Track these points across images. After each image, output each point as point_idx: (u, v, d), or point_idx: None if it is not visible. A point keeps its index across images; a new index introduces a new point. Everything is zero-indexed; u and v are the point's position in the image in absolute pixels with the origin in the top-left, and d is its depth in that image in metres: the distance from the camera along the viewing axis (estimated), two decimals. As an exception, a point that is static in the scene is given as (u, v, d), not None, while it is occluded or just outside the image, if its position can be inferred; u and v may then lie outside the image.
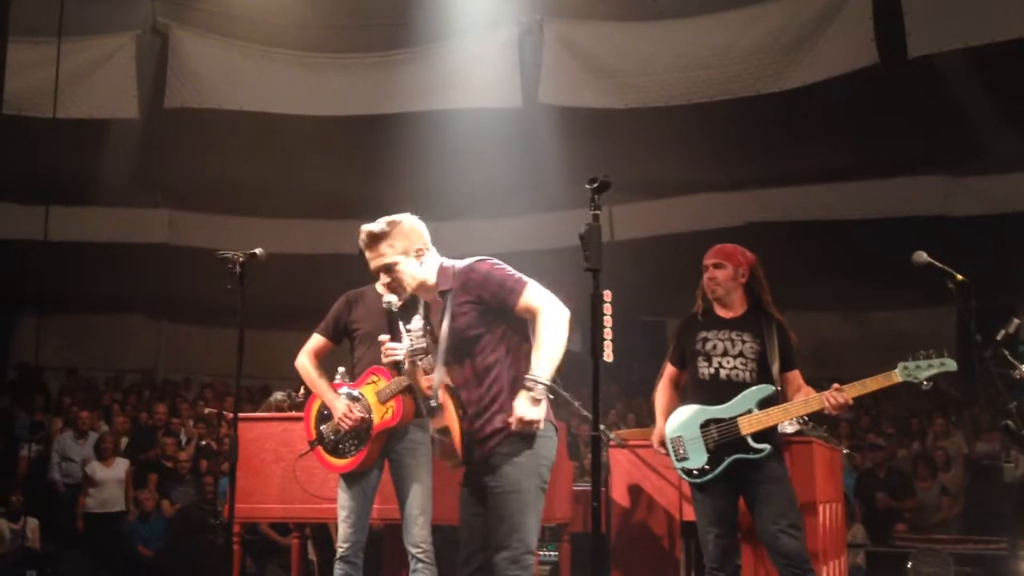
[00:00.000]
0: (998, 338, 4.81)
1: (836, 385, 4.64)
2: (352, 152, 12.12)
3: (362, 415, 4.78)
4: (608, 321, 4.54)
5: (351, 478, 4.84)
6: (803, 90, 10.99)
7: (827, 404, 4.62)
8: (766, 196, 12.27)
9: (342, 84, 11.61)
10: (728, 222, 11.41)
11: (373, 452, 4.82)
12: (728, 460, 4.70)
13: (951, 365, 4.61)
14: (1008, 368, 4.90)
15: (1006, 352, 4.84)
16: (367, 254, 3.94)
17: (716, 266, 4.87)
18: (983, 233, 11.39)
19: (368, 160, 12.17)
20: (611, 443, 5.79)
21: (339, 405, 4.83)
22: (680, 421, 4.94)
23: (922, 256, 4.59)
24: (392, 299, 4.13)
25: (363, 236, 3.92)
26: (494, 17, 11.30)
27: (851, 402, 4.71)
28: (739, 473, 4.68)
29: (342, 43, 11.70)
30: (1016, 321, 4.92)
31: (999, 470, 9.70)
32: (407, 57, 11.58)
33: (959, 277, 4.55)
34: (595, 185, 3.74)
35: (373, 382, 4.86)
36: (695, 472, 4.87)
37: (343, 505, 4.84)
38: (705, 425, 4.81)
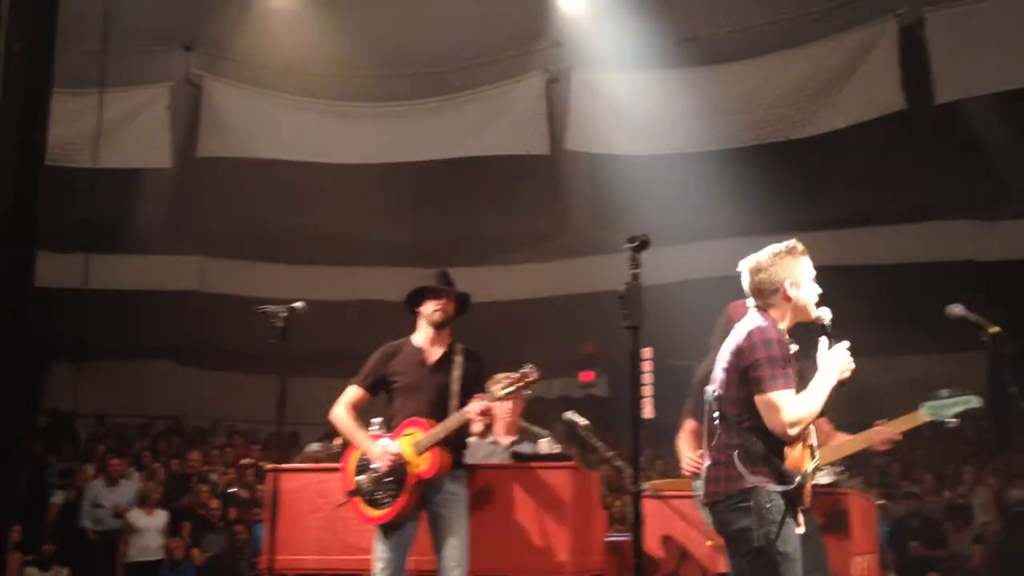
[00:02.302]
0: (1031, 388, 4.82)
1: (878, 424, 4.67)
2: (386, 200, 12.25)
3: (397, 451, 4.82)
4: (648, 377, 4.56)
5: (388, 529, 4.86)
6: (832, 135, 11.04)
7: (874, 440, 4.63)
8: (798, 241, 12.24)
9: (372, 132, 11.78)
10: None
11: (410, 503, 4.83)
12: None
13: (975, 402, 4.60)
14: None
15: (1040, 402, 4.85)
16: None
17: None
18: (1012, 278, 11.34)
19: (401, 207, 12.30)
20: (644, 493, 5.78)
21: (378, 451, 4.88)
22: (712, 473, 4.94)
23: (957, 309, 4.61)
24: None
25: None
26: (522, 66, 11.44)
27: (900, 436, 4.69)
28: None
29: (372, 92, 11.89)
30: (1051, 369, 4.93)
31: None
32: (437, 106, 11.74)
33: (993, 328, 4.56)
34: (635, 244, 3.77)
35: (410, 434, 4.90)
36: (725, 526, 4.85)
37: (379, 556, 4.85)
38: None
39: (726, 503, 3.75)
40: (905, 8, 10.23)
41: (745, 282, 4.00)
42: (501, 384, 4.82)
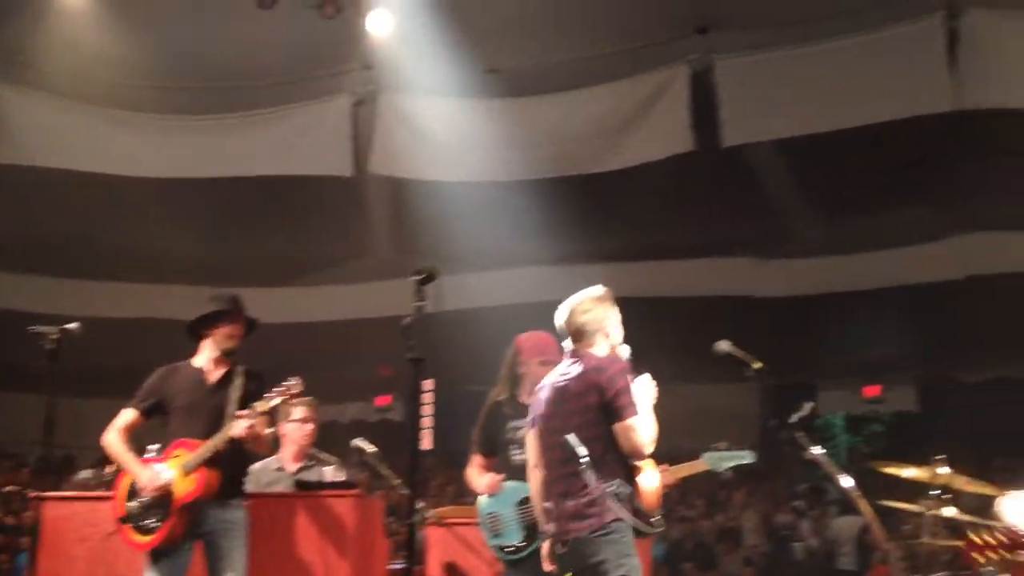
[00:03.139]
0: (792, 421, 5.19)
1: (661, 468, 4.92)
2: (182, 216, 11.87)
3: (168, 484, 4.70)
4: (428, 409, 4.65)
5: (157, 558, 4.74)
6: (627, 171, 11.46)
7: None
8: (589, 271, 12.62)
9: (170, 146, 11.40)
10: (553, 296, 11.71)
11: (177, 528, 4.73)
12: (543, 537, 4.84)
13: (748, 458, 5.06)
14: (799, 449, 5.27)
15: (799, 435, 5.21)
16: None
17: (551, 364, 5.03)
18: (787, 313, 12.11)
19: (198, 224, 11.96)
20: (428, 520, 5.84)
21: (144, 475, 4.75)
22: (497, 498, 5.06)
23: (723, 345, 4.89)
24: None
25: None
26: (328, 86, 11.35)
27: (678, 482, 5.09)
28: (553, 551, 4.81)
29: (172, 105, 11.51)
30: (809, 405, 5.32)
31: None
32: (240, 122, 11.49)
33: (756, 364, 4.86)
34: (422, 277, 3.84)
35: (178, 455, 4.80)
36: (509, 549, 4.98)
37: (150, 587, 4.72)
38: (522, 503, 4.94)
39: (587, 538, 4.03)
40: (697, 54, 10.73)
41: (565, 323, 4.31)
42: (265, 399, 4.80)
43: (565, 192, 11.73)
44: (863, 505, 5.57)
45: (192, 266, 12.16)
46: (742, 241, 12.55)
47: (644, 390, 4.28)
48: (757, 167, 11.55)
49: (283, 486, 5.80)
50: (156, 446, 4.97)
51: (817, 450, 5.26)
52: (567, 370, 4.30)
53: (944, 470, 5.55)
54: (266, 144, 11.37)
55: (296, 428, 5.88)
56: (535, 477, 4.44)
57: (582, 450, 4.06)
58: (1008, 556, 4.56)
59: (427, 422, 4.80)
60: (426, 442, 4.59)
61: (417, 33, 10.71)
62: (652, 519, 4.17)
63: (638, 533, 4.14)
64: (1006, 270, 11.31)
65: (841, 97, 10.34)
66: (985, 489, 5.74)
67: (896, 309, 11.88)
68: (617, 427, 4.10)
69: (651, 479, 4.25)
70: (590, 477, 4.02)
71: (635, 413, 4.10)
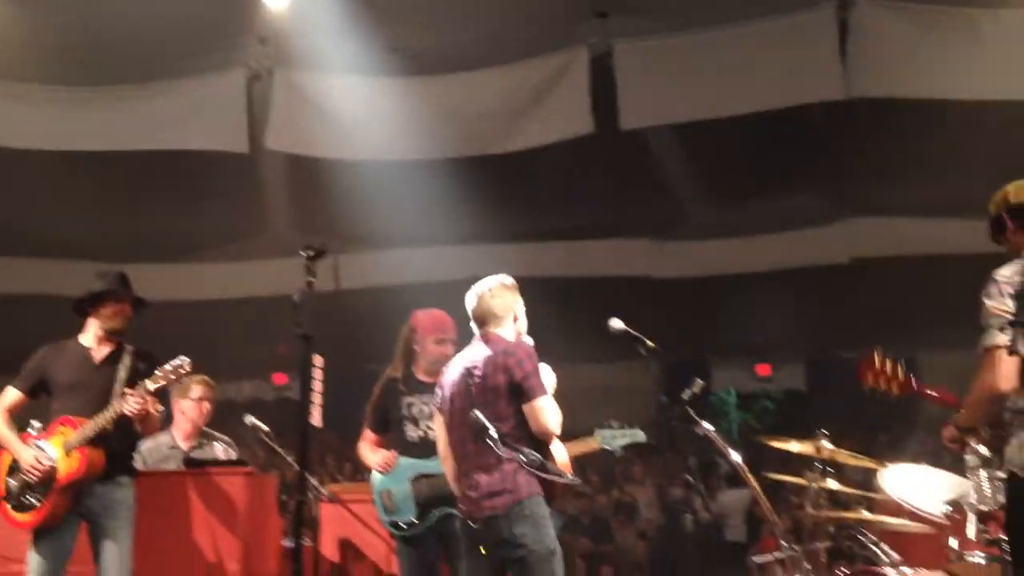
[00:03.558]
0: (684, 397, 5.33)
1: None
2: (69, 190, 11.50)
3: (51, 464, 4.60)
4: (318, 386, 4.64)
5: (41, 537, 4.64)
6: (528, 152, 11.51)
7: None
8: (489, 252, 12.71)
9: (57, 118, 11.00)
10: (455, 275, 11.73)
11: (59, 506, 4.64)
12: (437, 514, 4.88)
13: (640, 436, 5.22)
14: (691, 425, 5.42)
15: (690, 411, 5.35)
16: None
17: (453, 342, 5.10)
18: (683, 294, 12.34)
19: (85, 198, 11.59)
20: (321, 497, 5.83)
21: (27, 455, 4.63)
22: (390, 475, 5.07)
23: (616, 324, 4.98)
24: None
25: None
26: (223, 60, 11.10)
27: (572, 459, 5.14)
28: (446, 527, 4.85)
29: (60, 75, 11.10)
30: (700, 383, 5.46)
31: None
32: (130, 94, 11.15)
33: (649, 344, 4.96)
34: (311, 253, 3.83)
35: (61, 433, 4.70)
36: (403, 525, 5.01)
37: (32, 568, 4.63)
38: (416, 479, 4.97)
39: (505, 515, 4.18)
40: (597, 38, 10.81)
41: (475, 306, 4.40)
42: (154, 378, 4.74)
43: (466, 172, 11.72)
44: (751, 479, 5.75)
45: (81, 241, 11.82)
46: (640, 223, 12.73)
47: (547, 377, 4.43)
48: (655, 151, 11.71)
49: (175, 464, 5.72)
50: (38, 424, 4.85)
51: (707, 426, 5.41)
52: (474, 351, 4.42)
53: (828, 444, 5.74)
54: (158, 117, 11.05)
55: (192, 406, 5.83)
56: (447, 463, 4.50)
57: (491, 426, 4.16)
58: (895, 389, 4.75)
59: (318, 398, 4.78)
60: (316, 418, 4.59)
61: (316, 8, 10.56)
62: (567, 476, 4.35)
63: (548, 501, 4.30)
64: (889, 253, 11.73)
65: (737, 83, 10.53)
66: (866, 462, 5.97)
67: (786, 291, 12.22)
68: (526, 407, 4.27)
69: (560, 450, 4.46)
70: (501, 451, 4.14)
71: (544, 393, 4.29)
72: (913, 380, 4.71)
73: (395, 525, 5.06)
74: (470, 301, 4.55)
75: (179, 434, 5.89)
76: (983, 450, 4.35)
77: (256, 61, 11.12)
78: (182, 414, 5.87)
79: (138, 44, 10.95)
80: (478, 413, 4.21)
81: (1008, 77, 9.42)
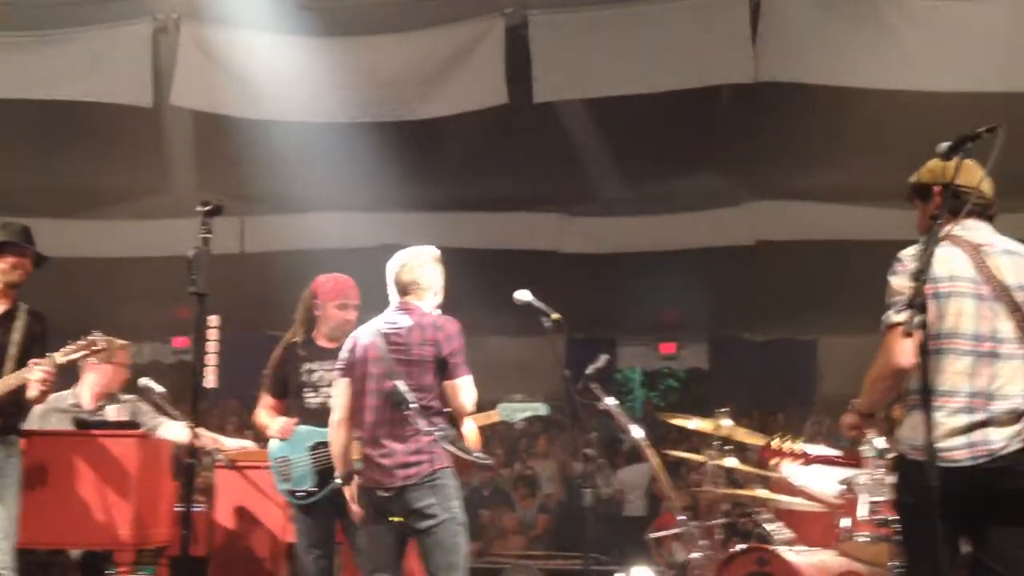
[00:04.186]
0: (588, 372, 5.36)
1: None
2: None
3: None
4: (213, 346, 4.53)
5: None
6: (440, 121, 11.40)
7: None
8: (399, 220, 12.60)
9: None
10: (363, 242, 11.61)
11: (-55, 466, 4.45)
12: (335, 483, 4.81)
13: (543, 410, 5.30)
14: (594, 400, 5.45)
15: (593, 386, 5.38)
16: None
17: (356, 308, 5.04)
18: (590, 270, 12.39)
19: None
20: (217, 463, 5.72)
21: None
22: (288, 442, 4.99)
23: (522, 295, 4.95)
24: None
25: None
26: (127, 9, 10.72)
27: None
28: (343, 496, 4.79)
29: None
30: (604, 357, 5.50)
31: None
32: (29, 42, 10.69)
33: (554, 316, 4.94)
34: (208, 208, 3.73)
35: (-59, 389, 4.51)
36: (300, 494, 4.93)
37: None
38: (315, 447, 4.90)
39: (417, 485, 4.22)
40: (512, 8, 10.73)
41: (398, 274, 4.37)
42: (64, 351, 4.60)
43: (378, 138, 11.56)
44: (651, 455, 5.83)
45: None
46: (550, 197, 12.74)
47: None
48: (567, 125, 11.71)
49: (63, 422, 5.54)
50: (-82, 379, 4.64)
51: (610, 401, 5.47)
52: (394, 319, 4.39)
53: (727, 423, 5.83)
54: (59, 67, 10.62)
55: (112, 371, 5.69)
56: (342, 428, 4.44)
57: (411, 396, 4.18)
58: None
59: (212, 359, 4.68)
60: (211, 380, 4.48)
61: (225, -42, 10.29)
62: (479, 455, 4.50)
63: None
64: (793, 237, 11.95)
65: (649, 61, 10.58)
66: (763, 441, 6.07)
67: (692, 270, 12.38)
68: (447, 384, 4.34)
69: (470, 426, 4.61)
70: (420, 423, 4.16)
71: (467, 373, 4.38)
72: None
73: (292, 494, 4.98)
74: (394, 267, 4.51)
75: (87, 394, 5.74)
76: (881, 442, 4.46)
77: (163, 13, 10.78)
78: (98, 376, 5.71)
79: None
80: (399, 384, 4.22)
81: (914, 66, 9.66)
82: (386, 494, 4.27)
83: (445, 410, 4.39)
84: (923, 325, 3.10)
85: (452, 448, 4.31)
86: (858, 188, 11.28)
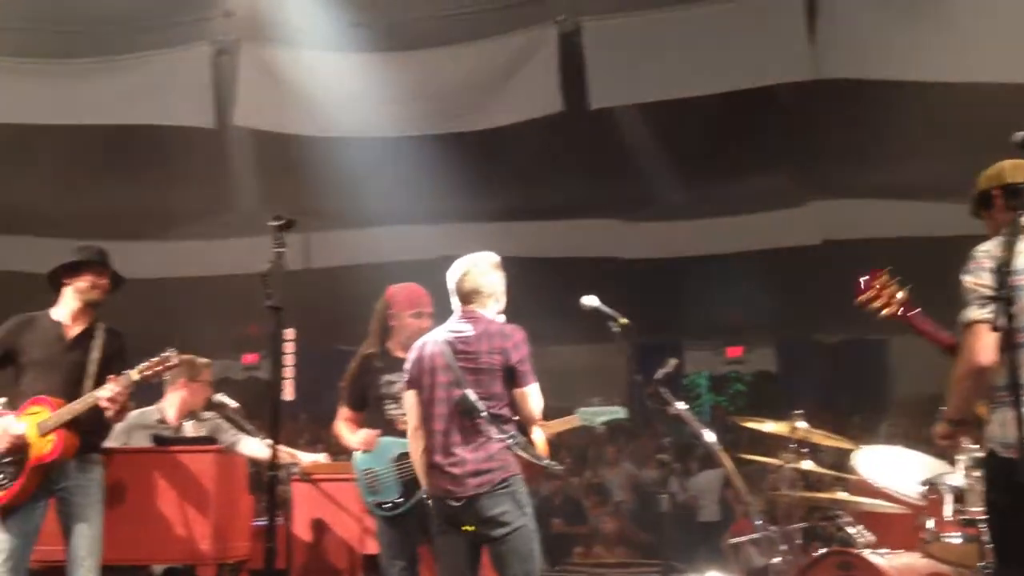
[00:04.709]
0: (657, 377, 5.29)
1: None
2: (32, 165, 11.28)
3: (20, 437, 4.51)
4: (290, 359, 4.57)
5: (8, 515, 4.55)
6: (497, 131, 11.43)
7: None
8: (460, 231, 12.65)
9: (18, 91, 10.78)
10: (424, 254, 11.68)
11: (29, 486, 4.55)
12: (421, 493, 4.83)
13: (622, 413, 5.20)
14: (664, 405, 5.39)
15: (663, 391, 5.32)
16: None
17: (430, 317, 5.06)
18: (653, 275, 12.31)
19: (49, 174, 11.39)
20: (294, 476, 5.76)
21: None
22: (372, 454, 5.01)
23: (590, 300, 4.93)
24: None
25: None
26: (188, 34, 10.92)
27: (553, 436, 5.09)
28: (426, 506, 4.79)
29: (19, 47, 10.88)
30: (673, 361, 5.43)
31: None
32: (95, 67, 10.94)
33: (622, 321, 4.91)
34: (280, 223, 3.77)
35: (35, 413, 4.60)
36: (387, 505, 4.95)
37: (1, 547, 4.53)
38: (399, 458, 4.91)
39: (489, 493, 4.22)
40: (565, 16, 10.73)
41: (460, 282, 4.39)
42: (140, 368, 4.68)
43: (435, 151, 11.62)
44: (725, 459, 5.74)
45: (43, 217, 11.63)
46: (609, 203, 12.70)
47: None
48: (624, 130, 11.66)
49: (145, 439, 5.64)
50: (2, 399, 4.74)
51: (681, 405, 5.39)
52: (459, 328, 4.39)
53: (802, 425, 5.73)
54: (122, 92, 10.85)
55: (200, 389, 5.81)
56: (417, 438, 4.46)
57: (481, 404, 4.20)
58: (886, 310, 4.63)
59: (289, 372, 4.72)
60: (288, 392, 4.52)
61: (280, -19, 10.43)
62: (550, 462, 4.52)
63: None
64: (860, 235, 11.77)
65: (705, 62, 10.49)
66: (840, 443, 5.97)
67: (757, 272, 12.24)
68: (516, 392, 4.35)
69: (539, 434, 4.56)
70: (490, 430, 4.18)
71: (534, 381, 4.38)
72: (907, 308, 4.52)
73: (378, 506, 5.00)
74: (455, 275, 4.52)
75: (172, 411, 5.85)
76: (976, 450, 4.25)
77: (222, 35, 10.96)
78: (184, 394, 5.82)
79: (103, 17, 10.77)
80: (468, 393, 4.23)
81: (977, 58, 9.46)
82: (456, 503, 4.27)
83: (514, 418, 4.39)
84: (1011, 317, 3.04)
85: (524, 454, 4.32)
86: (923, 184, 11.08)
